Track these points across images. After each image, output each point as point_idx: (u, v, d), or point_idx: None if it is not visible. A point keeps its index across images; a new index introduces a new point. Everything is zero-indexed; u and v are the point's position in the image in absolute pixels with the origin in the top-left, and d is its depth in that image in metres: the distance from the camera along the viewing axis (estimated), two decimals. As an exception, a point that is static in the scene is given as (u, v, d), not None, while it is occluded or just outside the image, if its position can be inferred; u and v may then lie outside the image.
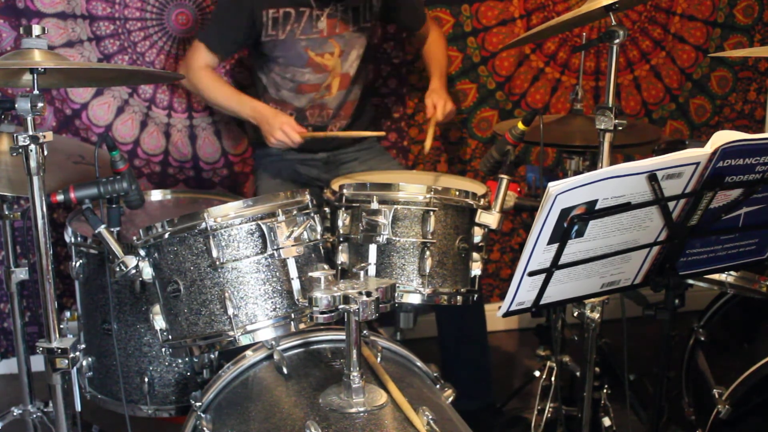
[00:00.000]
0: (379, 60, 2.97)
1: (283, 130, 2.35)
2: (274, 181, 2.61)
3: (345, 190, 1.85)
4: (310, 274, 1.45)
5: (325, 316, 1.40)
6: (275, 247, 1.58)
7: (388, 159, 2.74)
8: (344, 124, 2.62)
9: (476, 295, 1.90)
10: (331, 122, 2.60)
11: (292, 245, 1.59)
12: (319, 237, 1.69)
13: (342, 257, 1.83)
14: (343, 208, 1.84)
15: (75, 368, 1.61)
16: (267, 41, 2.48)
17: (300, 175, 2.62)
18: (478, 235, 1.89)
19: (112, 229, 1.68)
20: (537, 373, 2.45)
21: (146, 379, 1.91)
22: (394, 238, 1.79)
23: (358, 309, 1.38)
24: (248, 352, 1.72)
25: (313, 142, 2.53)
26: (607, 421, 2.21)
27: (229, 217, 1.59)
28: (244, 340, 1.60)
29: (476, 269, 1.89)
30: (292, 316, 1.61)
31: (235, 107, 2.50)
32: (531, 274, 1.41)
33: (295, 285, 1.59)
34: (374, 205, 1.78)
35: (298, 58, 2.50)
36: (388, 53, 2.97)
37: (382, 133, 2.85)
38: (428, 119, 2.51)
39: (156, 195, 2.35)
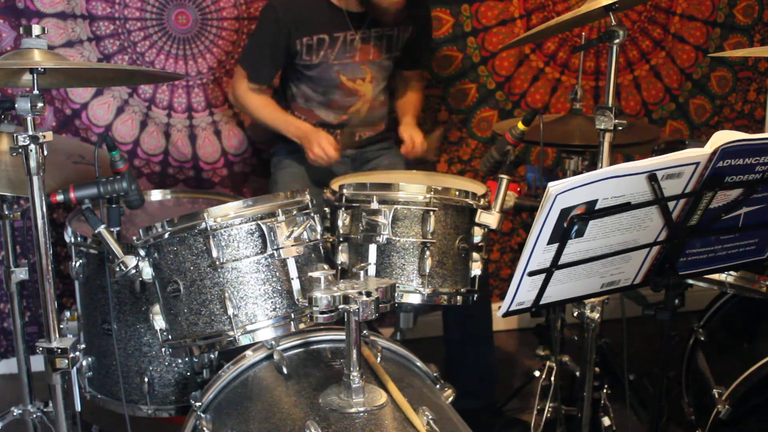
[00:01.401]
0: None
1: (320, 145, 2.45)
2: (293, 178, 2.64)
3: (345, 190, 1.85)
4: (310, 274, 1.45)
5: (325, 316, 1.40)
6: (275, 247, 1.58)
7: (402, 158, 2.76)
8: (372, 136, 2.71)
9: (476, 295, 1.90)
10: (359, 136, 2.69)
11: (292, 245, 1.59)
12: (319, 237, 1.69)
13: (342, 257, 1.83)
14: (343, 208, 1.84)
15: (75, 368, 1.61)
16: (301, 64, 2.56)
17: (321, 173, 2.62)
18: (478, 235, 1.89)
19: (112, 229, 1.68)
20: (537, 373, 2.45)
21: (146, 379, 1.91)
22: (394, 238, 1.79)
23: (358, 309, 1.38)
24: (248, 352, 1.72)
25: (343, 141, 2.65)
26: (607, 421, 2.21)
27: (229, 217, 1.58)
28: (244, 340, 1.59)
29: (476, 269, 1.89)
30: (292, 316, 1.60)
31: (280, 127, 2.61)
32: (531, 274, 1.41)
33: (295, 285, 1.59)
34: (374, 205, 1.78)
35: (331, 80, 2.58)
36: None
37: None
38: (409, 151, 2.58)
39: (156, 195, 2.35)
